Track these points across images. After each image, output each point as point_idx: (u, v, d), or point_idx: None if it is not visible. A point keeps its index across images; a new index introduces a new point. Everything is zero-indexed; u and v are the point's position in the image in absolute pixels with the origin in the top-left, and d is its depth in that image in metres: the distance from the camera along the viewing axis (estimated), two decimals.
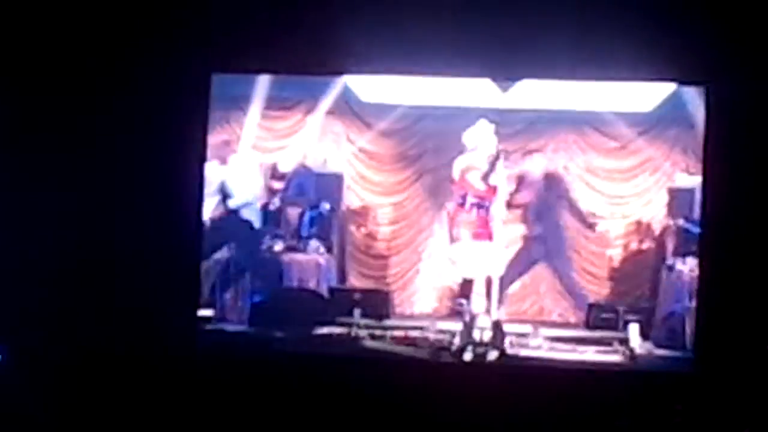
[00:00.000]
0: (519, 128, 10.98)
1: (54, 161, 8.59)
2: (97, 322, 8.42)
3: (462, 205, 9.80)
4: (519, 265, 10.59)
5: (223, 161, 10.60)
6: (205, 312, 9.52)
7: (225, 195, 10.48)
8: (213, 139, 9.72)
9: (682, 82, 9.30)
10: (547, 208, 10.67)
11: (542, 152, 10.98)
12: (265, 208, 10.78)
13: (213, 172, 10.08)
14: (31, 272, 8.47)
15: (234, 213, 10.50)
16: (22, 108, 8.65)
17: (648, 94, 10.51)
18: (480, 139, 9.84)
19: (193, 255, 8.84)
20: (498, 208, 9.80)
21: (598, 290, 11.03)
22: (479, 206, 9.74)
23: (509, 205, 10.21)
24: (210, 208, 10.13)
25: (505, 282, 10.18)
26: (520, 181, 10.60)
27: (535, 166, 10.74)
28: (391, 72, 9.51)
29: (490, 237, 9.74)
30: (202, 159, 8.90)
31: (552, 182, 10.81)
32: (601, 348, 9.36)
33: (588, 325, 10.15)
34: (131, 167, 8.59)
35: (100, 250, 8.54)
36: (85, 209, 8.55)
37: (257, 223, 10.62)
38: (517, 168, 10.63)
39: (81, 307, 8.45)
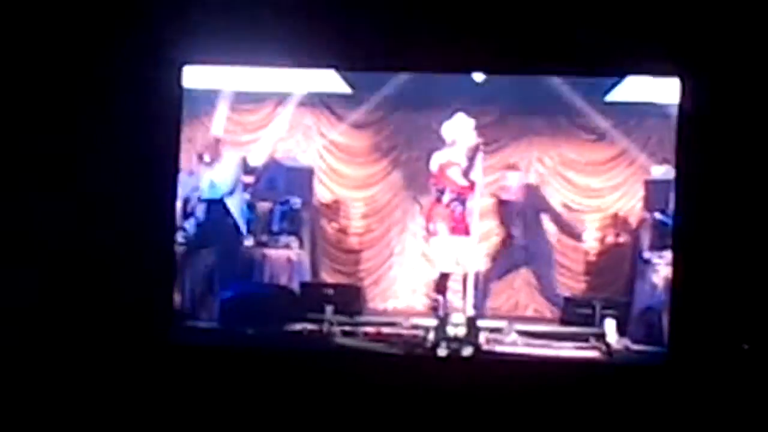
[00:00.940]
0: (492, 120, 10.91)
1: (26, 155, 8.50)
2: (70, 318, 8.33)
3: (439, 200, 9.69)
4: (500, 268, 10.53)
5: (202, 158, 10.42)
6: (177, 308, 9.39)
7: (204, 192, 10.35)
8: (188, 135, 9.65)
9: (657, 74, 9.23)
10: (528, 218, 10.57)
11: (519, 169, 10.86)
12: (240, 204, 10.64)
13: (192, 170, 10.05)
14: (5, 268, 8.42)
15: (212, 210, 10.39)
16: None
17: (624, 85, 10.43)
18: (459, 133, 9.74)
19: (166, 252, 8.76)
20: (475, 203, 9.71)
21: (573, 285, 10.97)
22: (457, 201, 9.65)
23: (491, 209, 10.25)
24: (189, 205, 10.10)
25: (483, 280, 10.10)
26: (501, 190, 10.57)
27: (514, 180, 10.65)
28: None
29: (467, 232, 9.64)
30: (176, 153, 8.81)
31: (532, 194, 10.72)
32: (578, 344, 9.28)
33: (564, 321, 10.07)
34: (103, 161, 8.50)
35: (74, 245, 8.45)
36: (58, 205, 8.46)
37: (238, 219, 10.41)
38: (498, 182, 10.62)
39: (56, 303, 8.36)
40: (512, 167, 10.75)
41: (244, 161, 10.83)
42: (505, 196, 10.56)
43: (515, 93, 10.70)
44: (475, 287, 9.70)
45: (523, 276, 10.96)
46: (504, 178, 10.68)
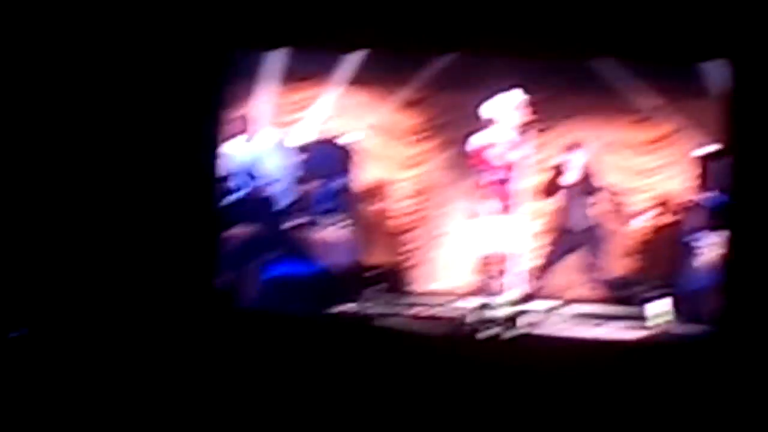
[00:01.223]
0: (538, 99, 10.79)
1: (72, 140, 8.58)
2: (112, 301, 8.42)
3: (484, 179, 9.66)
4: (546, 249, 10.44)
5: (244, 138, 10.42)
6: (221, 288, 9.41)
7: (249, 172, 10.35)
8: (232, 115, 9.65)
9: (708, 55, 9.13)
10: (575, 199, 10.46)
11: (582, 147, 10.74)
12: (284, 183, 10.64)
13: (235, 150, 10.02)
14: (50, 251, 8.48)
15: (256, 190, 10.39)
16: (36, 88, 8.64)
17: (671, 66, 10.31)
18: (501, 113, 9.68)
19: (210, 232, 8.82)
20: (520, 184, 9.63)
21: (620, 265, 10.86)
22: (501, 181, 9.59)
23: (544, 190, 10.16)
24: (233, 185, 10.07)
25: (528, 260, 10.02)
26: (557, 170, 10.44)
27: (576, 159, 10.52)
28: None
29: (511, 212, 9.58)
30: (220, 136, 8.88)
31: (589, 174, 10.61)
32: (624, 324, 9.23)
33: (611, 301, 10.02)
34: (150, 145, 8.60)
35: (118, 227, 8.55)
36: (105, 187, 8.57)
37: (282, 200, 10.45)
38: (555, 158, 10.51)
39: (97, 285, 8.47)
40: (573, 146, 10.63)
41: (290, 140, 10.86)
42: (558, 177, 10.44)
43: (562, 72, 10.58)
44: (520, 268, 9.64)
45: (570, 257, 10.86)
46: (559, 157, 10.56)
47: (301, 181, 10.72)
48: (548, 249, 10.36)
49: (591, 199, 10.46)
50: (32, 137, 8.73)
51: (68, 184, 8.67)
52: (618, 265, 10.84)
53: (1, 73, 8.71)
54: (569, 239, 10.39)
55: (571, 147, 10.46)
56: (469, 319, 8.93)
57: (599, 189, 10.57)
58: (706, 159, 10.42)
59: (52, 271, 8.57)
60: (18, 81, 8.73)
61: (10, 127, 8.75)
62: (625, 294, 9.88)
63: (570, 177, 10.37)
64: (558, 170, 10.40)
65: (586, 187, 10.49)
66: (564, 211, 10.36)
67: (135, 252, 8.62)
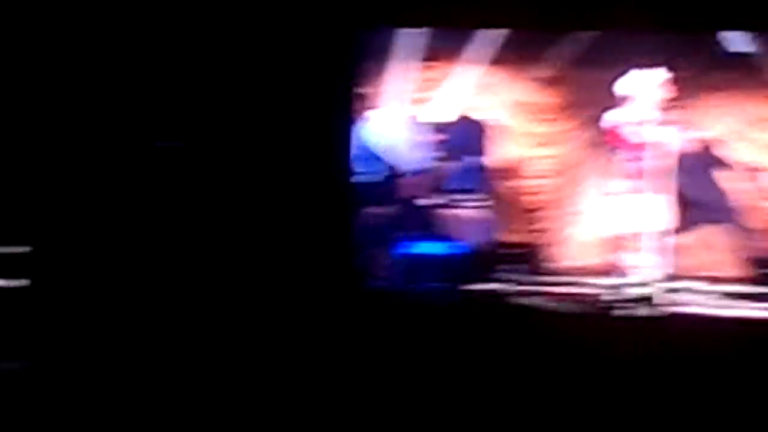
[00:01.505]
0: (675, 76, 10.65)
1: (209, 123, 8.76)
2: (251, 282, 8.58)
3: (619, 157, 9.58)
4: (682, 227, 10.30)
5: (378, 116, 10.52)
6: (356, 269, 9.52)
7: (384, 150, 10.44)
8: (366, 93, 9.74)
9: None
10: (714, 176, 10.29)
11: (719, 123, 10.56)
12: (418, 162, 10.71)
13: (369, 128, 10.08)
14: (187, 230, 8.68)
15: (391, 168, 10.48)
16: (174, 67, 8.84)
17: None
18: (635, 90, 9.58)
19: (344, 212, 8.92)
20: (656, 161, 9.53)
21: (758, 244, 10.66)
22: (635, 159, 9.50)
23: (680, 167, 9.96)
24: (364, 165, 10.13)
25: (663, 238, 9.92)
26: (695, 147, 10.27)
27: (713, 135, 10.36)
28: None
29: (646, 190, 9.48)
30: (354, 115, 8.95)
31: (716, 151, 10.43)
32: (763, 304, 9.08)
33: (748, 281, 9.84)
34: (283, 125, 8.71)
35: (252, 209, 8.70)
36: (239, 170, 8.73)
37: (417, 178, 10.55)
38: (692, 134, 10.29)
39: (236, 266, 8.64)
40: (709, 123, 10.46)
41: (425, 118, 10.91)
42: (688, 153, 10.31)
43: (699, 48, 10.41)
44: (656, 246, 9.54)
45: (707, 234, 10.70)
46: (696, 134, 10.42)
47: (437, 159, 10.78)
48: (684, 226, 10.22)
49: (730, 176, 10.30)
50: (165, 119, 8.93)
51: (211, 167, 8.83)
52: (756, 243, 10.65)
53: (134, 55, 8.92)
54: (707, 216, 10.25)
55: (708, 123, 10.31)
56: (604, 297, 8.89)
57: (738, 165, 10.39)
58: None
59: (198, 244, 8.77)
60: (144, 61, 8.93)
61: (155, 111, 8.98)
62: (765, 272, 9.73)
63: (709, 153, 10.22)
64: (695, 147, 10.27)
65: (724, 163, 10.33)
66: (701, 189, 10.22)
67: (271, 232, 8.76)
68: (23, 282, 8.61)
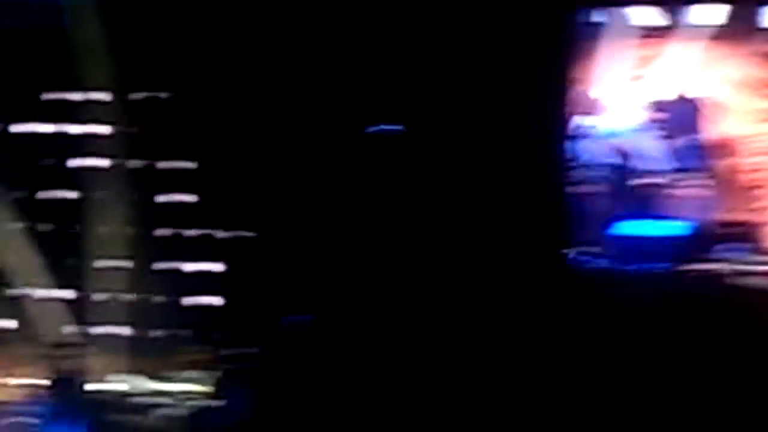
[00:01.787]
0: None
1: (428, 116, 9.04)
2: (468, 265, 8.89)
3: None
4: None
5: (593, 96, 10.61)
6: (574, 248, 9.69)
7: (601, 131, 10.52)
8: (580, 74, 9.77)
9: None
10: None
11: None
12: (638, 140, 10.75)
13: (585, 109, 10.17)
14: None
15: (609, 149, 10.54)
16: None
17: None
18: None
19: (563, 194, 8.99)
20: None
21: None
22: None
23: None
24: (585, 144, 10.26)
25: None
26: None
27: None
28: None
29: None
30: (568, 96, 8.95)
31: None
32: None
33: None
34: (496, 110, 8.85)
35: (470, 194, 8.97)
36: (456, 155, 8.94)
37: (636, 157, 10.58)
38: None
39: (453, 247, 8.95)
40: None
41: (643, 96, 10.94)
42: None
43: None
44: None
45: None
46: None
47: (657, 137, 10.82)
48: None
49: None
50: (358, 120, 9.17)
51: (431, 153, 9.07)
52: None
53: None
54: None
55: None
56: None
57: None
58: None
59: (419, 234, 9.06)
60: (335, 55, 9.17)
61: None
62: None
63: None
64: None
65: None
66: None
67: (489, 216, 8.92)
68: None
